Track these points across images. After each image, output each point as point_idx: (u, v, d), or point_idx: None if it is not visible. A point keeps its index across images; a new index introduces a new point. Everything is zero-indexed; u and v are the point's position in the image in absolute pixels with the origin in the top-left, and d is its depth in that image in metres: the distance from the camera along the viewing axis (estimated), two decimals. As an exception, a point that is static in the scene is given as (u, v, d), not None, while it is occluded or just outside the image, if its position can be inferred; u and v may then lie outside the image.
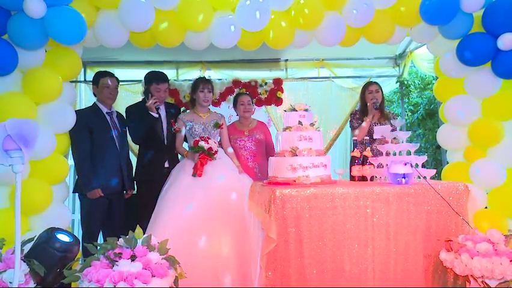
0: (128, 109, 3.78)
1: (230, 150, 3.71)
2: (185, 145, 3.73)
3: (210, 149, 3.30)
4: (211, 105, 3.87)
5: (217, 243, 3.06)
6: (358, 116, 3.91)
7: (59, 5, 2.69)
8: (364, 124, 3.78)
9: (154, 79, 3.69)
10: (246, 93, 4.21)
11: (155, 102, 3.55)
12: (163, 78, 3.74)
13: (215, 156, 3.34)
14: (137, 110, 3.69)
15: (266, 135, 4.01)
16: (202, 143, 3.32)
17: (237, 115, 4.11)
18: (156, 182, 3.50)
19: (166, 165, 3.69)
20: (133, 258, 2.22)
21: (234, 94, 5.11)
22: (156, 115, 3.56)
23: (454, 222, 2.64)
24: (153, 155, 3.68)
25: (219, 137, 3.71)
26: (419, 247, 2.59)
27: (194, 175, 3.26)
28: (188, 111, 3.86)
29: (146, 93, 3.64)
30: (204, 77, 3.95)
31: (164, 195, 3.29)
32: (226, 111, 4.96)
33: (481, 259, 2.40)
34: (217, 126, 3.61)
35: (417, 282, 2.58)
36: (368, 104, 3.82)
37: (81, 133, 3.35)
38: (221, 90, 5.06)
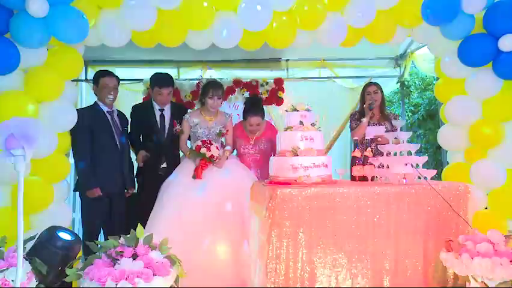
0: (134, 108, 3.87)
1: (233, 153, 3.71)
2: (188, 143, 3.72)
3: (212, 156, 3.32)
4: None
5: (217, 243, 3.06)
6: (357, 117, 3.91)
7: (61, 4, 2.70)
8: (363, 121, 3.76)
9: (158, 83, 3.69)
10: (256, 114, 3.62)
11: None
12: (167, 82, 3.73)
13: (216, 161, 3.35)
14: (140, 111, 3.75)
15: (274, 140, 3.91)
16: (203, 150, 3.31)
17: None
18: (155, 182, 3.51)
19: (164, 165, 3.69)
20: (134, 256, 2.21)
21: (235, 94, 5.11)
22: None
23: (454, 222, 2.64)
24: (152, 155, 3.70)
25: (223, 139, 3.68)
26: (419, 247, 2.59)
27: (194, 177, 3.29)
28: (194, 110, 3.85)
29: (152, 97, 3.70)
30: (215, 81, 3.77)
31: (163, 195, 3.30)
32: (226, 110, 4.96)
33: (481, 259, 2.39)
34: (220, 135, 3.58)
35: (417, 282, 2.58)
36: (364, 105, 3.82)
37: (81, 132, 3.35)
38: (222, 90, 5.06)
